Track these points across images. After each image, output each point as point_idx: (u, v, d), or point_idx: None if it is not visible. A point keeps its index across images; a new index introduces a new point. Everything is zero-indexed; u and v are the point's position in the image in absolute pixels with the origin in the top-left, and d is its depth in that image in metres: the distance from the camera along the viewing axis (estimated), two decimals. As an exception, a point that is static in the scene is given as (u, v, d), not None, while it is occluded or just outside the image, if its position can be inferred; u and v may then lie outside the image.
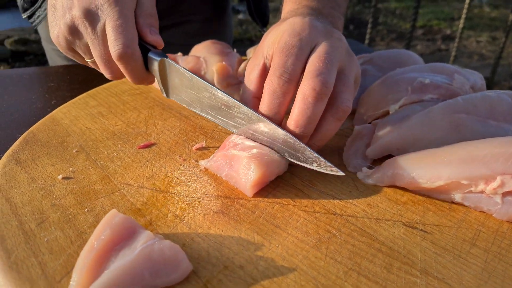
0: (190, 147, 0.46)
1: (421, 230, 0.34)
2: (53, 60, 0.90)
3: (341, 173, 0.37)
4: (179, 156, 0.44)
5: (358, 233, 0.33)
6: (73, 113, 0.53)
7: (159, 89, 0.49)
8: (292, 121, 0.38)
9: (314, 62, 0.39)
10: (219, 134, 0.48)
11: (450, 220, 0.35)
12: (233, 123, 0.41)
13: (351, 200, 0.37)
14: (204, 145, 0.46)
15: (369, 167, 0.41)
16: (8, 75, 0.76)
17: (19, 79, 0.75)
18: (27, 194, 0.37)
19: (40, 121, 0.51)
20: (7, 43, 2.86)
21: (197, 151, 0.45)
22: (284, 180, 0.40)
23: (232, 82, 0.59)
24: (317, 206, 0.36)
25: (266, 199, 0.37)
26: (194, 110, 0.44)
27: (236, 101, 0.39)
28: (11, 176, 0.39)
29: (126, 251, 0.28)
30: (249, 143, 0.39)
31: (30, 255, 0.30)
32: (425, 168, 0.37)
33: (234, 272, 0.29)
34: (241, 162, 0.37)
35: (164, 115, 0.53)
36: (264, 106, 0.39)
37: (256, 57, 0.43)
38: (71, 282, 0.27)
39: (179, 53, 0.67)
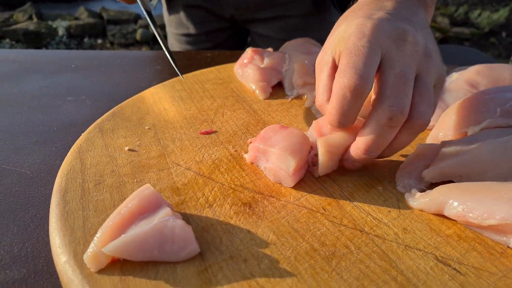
0: (246, 139, 0.47)
1: (454, 269, 0.30)
2: (172, 44, 1.00)
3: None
4: (232, 147, 0.46)
5: (378, 256, 0.31)
6: (159, 94, 0.59)
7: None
8: (362, 146, 0.37)
9: (388, 80, 0.35)
10: (279, 131, 0.49)
11: (496, 266, 0.30)
12: None
13: (386, 221, 0.35)
14: (259, 140, 0.47)
15: (422, 191, 0.38)
16: (129, 56, 0.88)
17: (135, 60, 0.85)
18: (96, 158, 0.43)
19: (131, 98, 0.57)
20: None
21: (250, 144, 0.46)
22: (323, 187, 0.39)
23: (309, 81, 0.59)
24: (346, 219, 0.35)
25: (297, 202, 0.37)
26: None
27: None
28: (91, 141, 0.46)
29: (145, 221, 0.31)
30: (277, 136, 0.40)
31: (79, 208, 0.36)
32: (479, 202, 0.32)
33: (237, 264, 0.30)
34: (275, 154, 0.38)
35: (235, 106, 0.55)
36: (332, 111, 0.37)
37: (325, 52, 0.41)
38: (95, 237, 0.30)
39: (269, 48, 0.69)
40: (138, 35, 3.34)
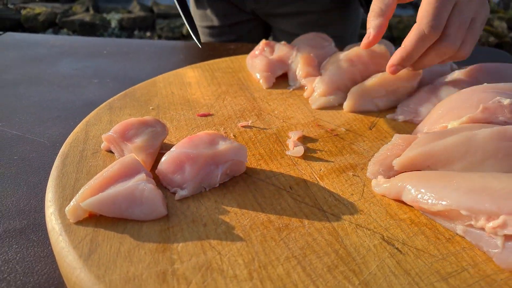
0: (238, 123, 0.50)
1: (396, 248, 0.32)
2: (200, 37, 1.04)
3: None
4: (224, 129, 0.49)
5: (327, 231, 0.33)
6: (170, 79, 0.63)
7: None
8: (403, 46, 0.48)
9: (452, 25, 0.46)
10: (271, 118, 0.52)
11: (438, 249, 0.32)
12: None
13: (346, 203, 0.37)
14: (249, 124, 0.50)
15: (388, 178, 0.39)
16: (157, 45, 0.93)
17: (162, 49, 0.90)
18: (100, 131, 0.48)
19: (145, 81, 0.62)
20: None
21: (242, 128, 0.49)
22: (296, 169, 0.41)
23: (311, 73, 0.61)
24: (309, 198, 0.37)
25: (267, 180, 0.40)
26: None
27: None
28: (99, 117, 0.51)
29: (122, 183, 0.35)
30: None
31: (74, 171, 0.40)
32: (431, 188, 0.33)
33: (197, 227, 0.34)
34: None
35: (237, 93, 0.58)
36: (409, 44, 0.47)
37: None
38: (77, 194, 0.35)
39: (283, 42, 0.71)
40: (184, 30, 3.45)
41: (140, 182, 0.35)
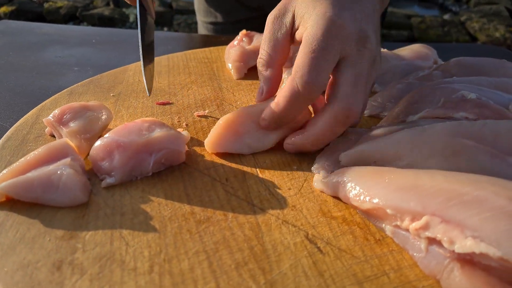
0: (195, 112, 0.48)
1: (318, 248, 0.29)
2: (200, 32, 1.03)
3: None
4: (178, 117, 0.47)
5: (250, 226, 0.31)
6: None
7: None
8: (313, 139, 0.38)
9: (344, 85, 0.36)
10: (231, 108, 0.50)
11: (364, 251, 0.29)
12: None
13: (280, 197, 0.34)
14: (206, 114, 0.48)
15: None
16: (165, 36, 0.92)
17: (168, 40, 0.89)
18: (53, 116, 0.47)
19: (116, 69, 0.61)
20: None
21: (197, 117, 0.47)
22: (239, 160, 0.39)
23: (287, 65, 0.58)
24: (242, 191, 0.35)
25: (205, 171, 0.38)
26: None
27: None
28: (56, 102, 0.50)
29: (44, 167, 0.34)
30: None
31: (10, 154, 0.39)
32: (363, 184, 0.31)
33: (114, 216, 0.32)
34: None
35: (205, 83, 0.56)
36: (281, 101, 0.37)
37: (287, 10, 0.40)
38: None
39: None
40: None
41: (60, 167, 0.33)
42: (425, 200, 0.26)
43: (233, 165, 0.39)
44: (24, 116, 0.46)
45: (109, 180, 0.35)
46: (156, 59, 0.65)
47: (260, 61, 0.41)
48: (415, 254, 0.27)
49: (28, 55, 0.78)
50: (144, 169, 0.36)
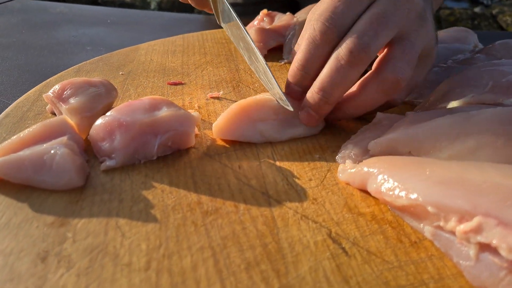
0: (208, 93, 0.44)
1: (343, 249, 0.25)
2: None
3: (290, 108, 0.34)
4: (190, 98, 0.43)
5: (264, 220, 0.27)
6: (155, 46, 0.58)
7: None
8: (317, 84, 0.34)
9: (361, 21, 0.32)
10: (247, 91, 0.45)
11: (397, 255, 0.24)
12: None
13: (299, 188, 0.30)
14: (220, 95, 0.44)
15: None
16: (164, 17, 0.89)
17: (169, 21, 0.86)
18: (56, 93, 0.43)
19: (128, 47, 0.58)
20: None
21: (210, 99, 0.43)
22: (255, 146, 0.35)
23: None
24: (256, 180, 0.31)
25: (216, 157, 0.34)
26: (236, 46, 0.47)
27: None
28: (62, 79, 0.47)
29: (38, 146, 0.31)
30: None
31: (6, 131, 0.36)
32: (398, 177, 0.26)
33: (111, 202, 0.28)
34: None
35: (221, 63, 0.52)
36: (299, 54, 0.35)
37: None
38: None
39: (288, 13, 0.64)
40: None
41: (55, 146, 0.30)
42: (476, 198, 0.22)
43: (248, 151, 0.34)
44: (27, 93, 0.43)
45: (109, 163, 0.32)
46: (170, 39, 0.62)
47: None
48: (461, 261, 0.22)
49: (41, 33, 0.76)
50: (148, 152, 0.33)
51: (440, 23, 3.25)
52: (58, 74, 0.48)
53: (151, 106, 0.34)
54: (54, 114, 0.39)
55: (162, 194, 0.29)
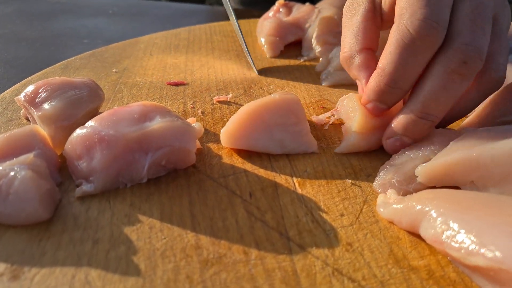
0: (214, 96, 0.38)
1: (393, 325, 0.18)
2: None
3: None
4: (193, 102, 0.37)
5: (282, 276, 0.20)
6: (156, 40, 0.51)
7: None
8: (419, 105, 0.26)
9: (461, 17, 0.26)
10: (262, 93, 0.38)
11: (471, 338, 0.17)
12: None
13: (328, 228, 0.23)
14: (228, 99, 0.37)
15: (406, 194, 0.25)
16: (171, 7, 0.82)
17: (176, 12, 0.79)
18: (37, 94, 0.37)
19: (125, 41, 0.51)
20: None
21: (217, 103, 0.36)
22: (271, 166, 0.28)
23: (331, 41, 0.46)
24: (273, 214, 0.24)
25: (221, 179, 0.27)
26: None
27: None
28: (46, 76, 0.41)
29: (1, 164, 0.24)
30: None
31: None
32: (469, 224, 0.19)
33: (82, 244, 0.22)
34: None
35: (231, 60, 0.46)
36: (387, 65, 0.26)
37: None
38: None
39: (307, 3, 0.57)
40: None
41: (14, 167, 0.23)
42: None
43: (261, 171, 0.28)
44: (1, 94, 0.37)
45: (85, 188, 0.25)
46: (174, 31, 0.55)
47: (343, 56, 0.31)
48: None
49: (35, 24, 0.69)
50: (136, 174, 0.26)
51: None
52: (42, 71, 0.42)
53: (141, 115, 0.27)
54: (29, 120, 0.32)
55: (149, 233, 0.23)
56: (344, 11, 0.32)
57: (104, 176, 0.25)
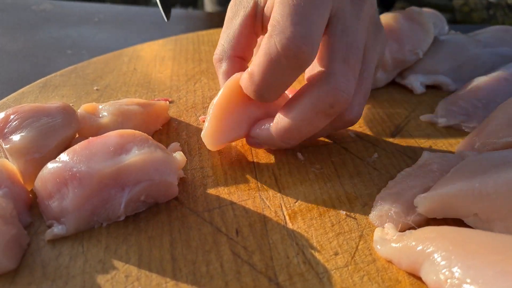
0: (201, 115, 0.36)
1: None
2: (206, 5, 0.90)
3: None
4: (176, 124, 0.34)
5: (270, 333, 0.18)
6: (141, 52, 0.49)
7: None
8: (283, 132, 0.26)
9: (339, 51, 0.25)
10: (250, 110, 0.36)
11: None
12: None
13: (321, 270, 0.21)
14: (215, 118, 0.35)
15: (404, 230, 0.23)
16: (157, 13, 0.80)
17: (162, 18, 0.76)
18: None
19: (108, 54, 0.49)
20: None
21: (203, 123, 0.34)
22: (260, 197, 0.26)
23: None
24: (260, 254, 0.22)
25: (206, 214, 0.25)
26: None
27: None
28: (23, 97, 0.38)
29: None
30: None
31: None
32: (477, 272, 0.17)
33: (55, 280, 0.20)
34: None
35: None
36: (256, 72, 0.25)
37: None
38: None
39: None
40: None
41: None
42: None
43: (249, 203, 0.26)
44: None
45: (56, 230, 0.23)
46: (160, 41, 0.53)
47: (214, 58, 0.31)
48: None
49: (17, 35, 0.67)
50: (113, 212, 0.24)
51: (454, 13, 3.13)
52: (19, 91, 0.39)
53: (116, 147, 0.25)
54: None
55: (125, 283, 0.21)
56: (229, 6, 0.30)
57: (76, 216, 0.23)
